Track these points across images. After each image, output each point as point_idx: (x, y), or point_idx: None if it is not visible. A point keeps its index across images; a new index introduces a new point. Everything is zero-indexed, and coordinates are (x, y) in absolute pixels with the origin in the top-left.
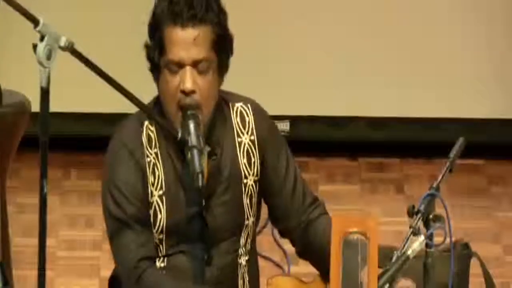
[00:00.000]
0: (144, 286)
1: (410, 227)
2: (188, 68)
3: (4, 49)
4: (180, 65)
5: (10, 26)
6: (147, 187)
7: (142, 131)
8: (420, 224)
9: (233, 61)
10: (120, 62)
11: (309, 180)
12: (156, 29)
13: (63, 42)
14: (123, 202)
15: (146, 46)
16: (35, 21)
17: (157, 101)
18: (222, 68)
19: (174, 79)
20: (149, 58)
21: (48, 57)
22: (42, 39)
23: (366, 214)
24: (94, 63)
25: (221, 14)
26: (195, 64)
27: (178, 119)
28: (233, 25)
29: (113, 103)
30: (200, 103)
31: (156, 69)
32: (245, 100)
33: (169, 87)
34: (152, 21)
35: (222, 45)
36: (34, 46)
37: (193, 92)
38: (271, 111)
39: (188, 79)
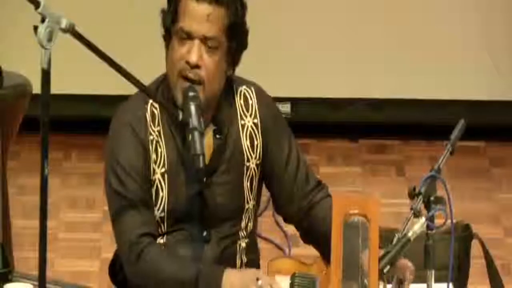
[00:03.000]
0: (144, 262)
1: (411, 209)
2: (197, 42)
3: (5, 31)
4: (190, 37)
5: (11, 9)
6: (150, 164)
7: (147, 109)
8: (421, 206)
9: None
10: (121, 44)
11: (310, 162)
12: None
13: (64, 23)
14: (126, 179)
15: (163, 12)
16: (36, 3)
17: (164, 78)
18: (231, 56)
19: (181, 48)
20: (163, 23)
21: (49, 39)
22: (43, 20)
23: (367, 195)
24: (94, 45)
25: (239, 3)
26: (204, 40)
27: (177, 87)
28: None
29: (113, 85)
30: (203, 79)
31: (167, 35)
32: (249, 84)
33: (175, 55)
34: None
35: (235, 33)
36: (35, 28)
37: (197, 66)
38: (273, 93)
39: (195, 52)
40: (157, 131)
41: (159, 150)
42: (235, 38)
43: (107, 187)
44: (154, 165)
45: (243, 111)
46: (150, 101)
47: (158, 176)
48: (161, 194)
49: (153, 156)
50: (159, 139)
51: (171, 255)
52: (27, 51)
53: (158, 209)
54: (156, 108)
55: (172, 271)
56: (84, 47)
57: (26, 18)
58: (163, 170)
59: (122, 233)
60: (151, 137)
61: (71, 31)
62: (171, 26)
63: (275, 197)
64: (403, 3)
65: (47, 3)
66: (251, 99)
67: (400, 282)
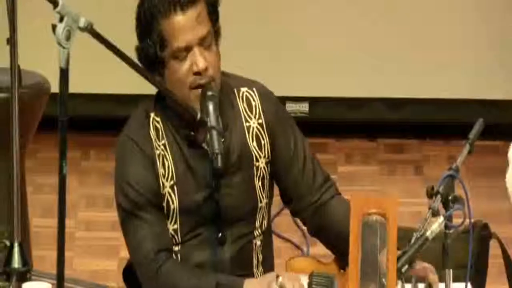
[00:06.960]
0: (162, 278)
1: (429, 208)
2: (196, 48)
3: (23, 30)
4: (188, 49)
5: (29, 8)
6: (158, 179)
7: (149, 124)
8: (439, 205)
9: (256, 46)
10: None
11: (327, 161)
12: (151, 25)
13: (82, 22)
14: (135, 197)
15: (140, 48)
16: (54, 2)
17: (158, 97)
18: (217, 35)
19: (183, 65)
20: (148, 56)
21: (67, 38)
22: (61, 20)
23: (385, 195)
24: (112, 44)
25: None
26: (201, 41)
27: (191, 99)
28: (255, 13)
29: (132, 83)
30: (213, 77)
31: (159, 65)
32: (250, 84)
33: (180, 74)
34: (144, 19)
35: (215, 13)
36: (54, 27)
37: (206, 69)
38: (291, 93)
39: (200, 59)
40: (163, 144)
41: (166, 163)
42: (216, 17)
43: (118, 207)
44: (162, 179)
45: (247, 113)
46: (152, 115)
47: (167, 189)
48: (172, 206)
49: (161, 170)
50: (166, 153)
51: (189, 269)
52: (45, 50)
53: (171, 222)
54: (158, 122)
55: (191, 285)
56: (102, 46)
57: (44, 16)
58: (171, 182)
59: (138, 251)
60: (158, 152)
61: (90, 30)
62: (161, 53)
63: (283, 192)
64: (420, 2)
65: (65, 2)
66: (254, 100)
67: (429, 285)
